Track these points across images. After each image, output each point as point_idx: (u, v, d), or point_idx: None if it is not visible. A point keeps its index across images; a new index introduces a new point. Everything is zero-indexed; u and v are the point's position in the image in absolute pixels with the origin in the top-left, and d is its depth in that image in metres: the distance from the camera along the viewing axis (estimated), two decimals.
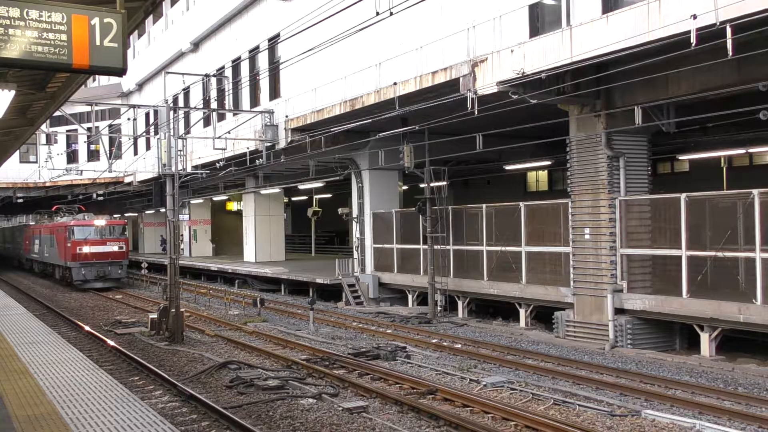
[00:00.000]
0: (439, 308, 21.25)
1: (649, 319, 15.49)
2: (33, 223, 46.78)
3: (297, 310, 23.86)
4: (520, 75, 14.80)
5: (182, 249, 41.00)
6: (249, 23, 29.05)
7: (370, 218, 25.31)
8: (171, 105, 25.25)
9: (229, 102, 30.69)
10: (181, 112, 26.71)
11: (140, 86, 43.31)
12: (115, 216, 43.27)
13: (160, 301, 23.01)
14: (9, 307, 19.88)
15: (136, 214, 52.67)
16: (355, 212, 26.23)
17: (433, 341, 17.14)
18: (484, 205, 20.49)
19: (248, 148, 26.78)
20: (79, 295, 31.48)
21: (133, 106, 26.27)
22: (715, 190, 16.23)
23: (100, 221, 34.56)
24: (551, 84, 15.35)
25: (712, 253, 14.05)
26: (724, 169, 23.11)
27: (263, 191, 35.36)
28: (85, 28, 5.78)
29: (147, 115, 38.63)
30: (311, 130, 23.12)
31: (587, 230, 16.51)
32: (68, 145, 45.63)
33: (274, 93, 27.58)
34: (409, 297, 23.61)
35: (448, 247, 21.52)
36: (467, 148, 18.88)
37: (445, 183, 21.93)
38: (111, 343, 17.45)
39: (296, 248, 48.08)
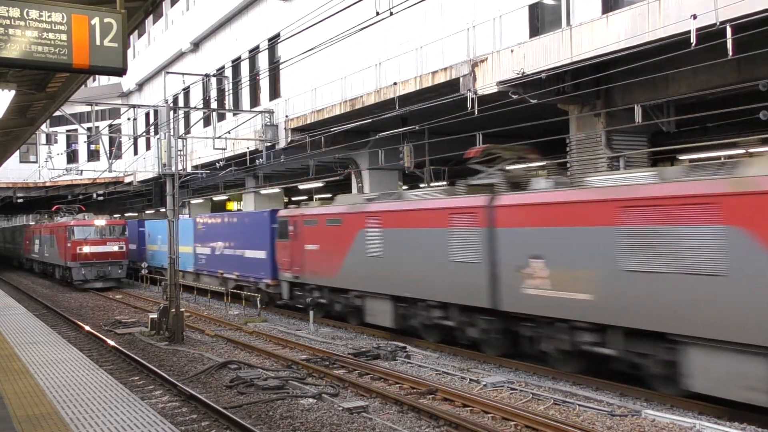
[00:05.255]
0: None
1: None
2: (33, 223, 46.78)
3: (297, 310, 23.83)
4: (520, 75, 14.80)
5: None
6: (249, 23, 29.06)
7: None
8: (171, 105, 25.25)
9: (229, 102, 30.70)
10: (181, 112, 26.71)
11: (140, 86, 43.34)
12: (115, 216, 43.30)
13: (160, 301, 23.01)
14: (9, 307, 19.89)
15: (136, 214, 52.64)
16: None
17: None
18: None
19: (248, 148, 26.79)
20: (79, 295, 31.48)
21: (133, 106, 26.28)
22: None
23: (100, 221, 34.59)
24: (551, 84, 15.34)
25: None
26: None
27: (263, 191, 35.32)
28: (85, 28, 5.78)
29: (147, 115, 38.67)
30: (311, 130, 23.12)
31: None
32: (68, 145, 45.70)
33: (274, 93, 27.60)
34: None
35: None
36: (467, 148, 18.84)
37: (445, 183, 21.91)
38: (111, 342, 17.45)
39: None
